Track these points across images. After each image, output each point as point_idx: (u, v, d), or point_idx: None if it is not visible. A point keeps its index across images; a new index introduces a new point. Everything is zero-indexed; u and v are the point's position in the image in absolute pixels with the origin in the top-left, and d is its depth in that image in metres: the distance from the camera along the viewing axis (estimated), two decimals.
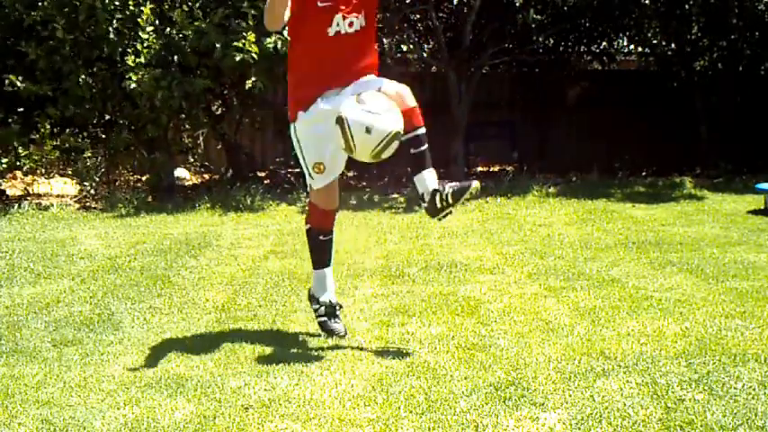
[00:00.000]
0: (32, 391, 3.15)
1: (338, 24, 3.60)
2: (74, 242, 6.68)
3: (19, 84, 8.59)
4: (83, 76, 8.76)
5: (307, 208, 3.90)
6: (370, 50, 3.77)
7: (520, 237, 6.68)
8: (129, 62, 8.62)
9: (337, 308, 3.89)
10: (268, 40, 8.72)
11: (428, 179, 3.67)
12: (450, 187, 3.59)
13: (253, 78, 8.78)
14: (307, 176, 3.80)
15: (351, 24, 3.62)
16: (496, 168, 12.27)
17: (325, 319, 3.85)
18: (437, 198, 3.61)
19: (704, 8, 11.37)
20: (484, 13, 11.03)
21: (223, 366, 3.40)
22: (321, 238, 3.88)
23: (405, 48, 12.58)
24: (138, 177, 10.59)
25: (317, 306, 3.88)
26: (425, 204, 3.69)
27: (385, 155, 3.51)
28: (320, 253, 3.91)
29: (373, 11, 3.74)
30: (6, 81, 8.57)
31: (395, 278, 5.09)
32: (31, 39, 8.80)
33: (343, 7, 3.59)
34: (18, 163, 9.50)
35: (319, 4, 3.56)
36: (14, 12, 8.91)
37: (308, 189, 3.85)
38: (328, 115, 3.53)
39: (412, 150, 3.66)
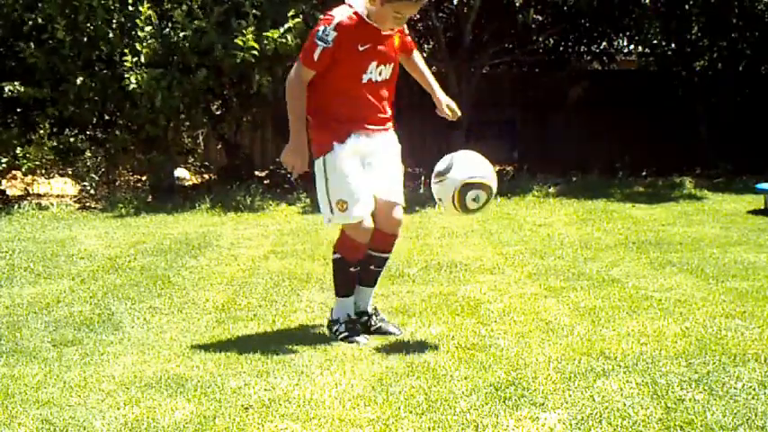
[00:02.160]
0: (32, 391, 3.14)
1: (371, 72, 3.71)
2: (74, 242, 6.68)
3: (19, 89, 8.57)
4: (82, 78, 8.75)
5: (339, 235, 3.82)
6: (391, 101, 3.88)
7: (520, 237, 6.68)
8: (129, 62, 8.61)
9: (362, 317, 3.88)
10: (267, 34, 8.71)
11: (369, 298, 3.95)
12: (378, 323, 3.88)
13: (257, 77, 8.78)
14: (326, 211, 3.73)
15: (380, 73, 3.74)
16: (496, 168, 12.26)
17: (346, 334, 3.77)
18: (361, 320, 3.86)
19: (704, 8, 11.38)
20: (484, 13, 11.03)
21: (223, 366, 3.40)
22: (351, 269, 3.81)
23: None
24: (138, 177, 10.60)
25: (335, 328, 3.82)
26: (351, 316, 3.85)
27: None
28: (347, 282, 3.85)
29: (398, 63, 3.85)
30: (7, 89, 8.57)
31: (395, 278, 5.09)
32: (31, 39, 8.80)
33: (378, 56, 3.70)
34: (17, 163, 9.49)
35: (360, 48, 3.64)
36: (14, 12, 8.91)
37: (328, 221, 3.78)
38: (364, 152, 3.73)
39: (373, 268, 3.89)
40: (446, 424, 2.75)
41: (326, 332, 3.89)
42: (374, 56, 3.69)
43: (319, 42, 3.58)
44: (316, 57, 3.60)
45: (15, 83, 8.63)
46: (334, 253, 3.84)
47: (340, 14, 3.63)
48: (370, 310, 3.92)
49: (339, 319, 3.82)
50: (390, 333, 3.84)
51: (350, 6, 3.66)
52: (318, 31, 3.60)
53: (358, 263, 3.81)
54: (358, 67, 3.68)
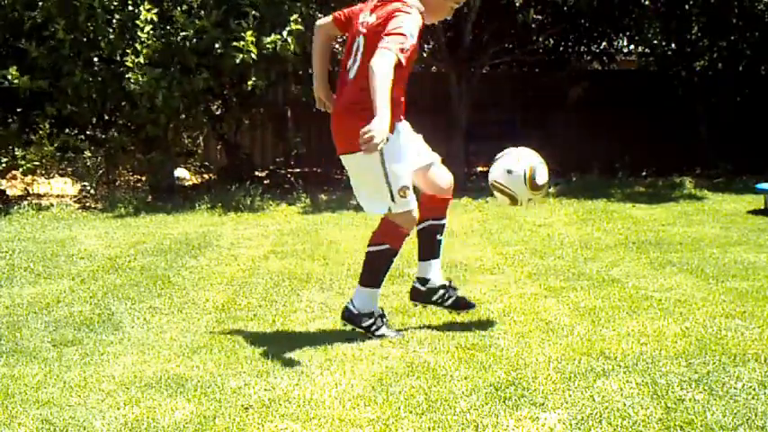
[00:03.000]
0: (32, 391, 3.14)
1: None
2: (74, 242, 6.68)
3: (16, 77, 8.54)
4: (83, 75, 8.76)
5: (383, 226, 3.81)
6: None
7: (520, 237, 6.68)
8: (129, 62, 8.62)
9: (440, 290, 4.00)
10: (268, 39, 8.72)
11: (438, 270, 4.04)
12: (455, 296, 4.02)
13: (253, 78, 8.78)
14: (385, 199, 3.70)
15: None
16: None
17: (384, 331, 3.78)
18: (439, 293, 3.99)
19: (704, 8, 11.38)
20: (484, 13, 11.03)
21: (223, 366, 3.40)
22: (393, 259, 3.85)
23: None
24: (138, 177, 10.60)
25: (370, 322, 3.79)
26: (419, 286, 4.01)
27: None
28: (385, 273, 3.87)
29: None
30: (9, 76, 8.55)
31: (395, 278, 5.08)
32: (32, 38, 8.80)
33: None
34: (17, 163, 9.50)
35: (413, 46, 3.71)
36: (14, 12, 8.91)
37: (387, 211, 3.74)
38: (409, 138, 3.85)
39: (438, 237, 3.99)
40: (446, 424, 2.75)
41: (342, 327, 3.87)
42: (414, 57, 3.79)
43: (410, 38, 3.61)
44: (408, 50, 3.60)
45: (13, 68, 8.54)
46: (377, 244, 3.81)
47: (416, 9, 3.70)
48: (445, 282, 4.04)
49: (374, 313, 3.80)
50: (469, 306, 4.05)
51: (406, 3, 3.70)
52: (406, 22, 3.60)
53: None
54: (413, 60, 3.76)
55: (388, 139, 3.47)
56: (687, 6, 11.58)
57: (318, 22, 4.14)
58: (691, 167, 11.55)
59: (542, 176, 3.87)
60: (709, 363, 3.27)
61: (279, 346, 3.66)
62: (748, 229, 6.85)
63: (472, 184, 10.19)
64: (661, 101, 12.08)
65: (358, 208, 8.75)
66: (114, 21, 8.86)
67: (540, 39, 12.19)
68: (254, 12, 8.69)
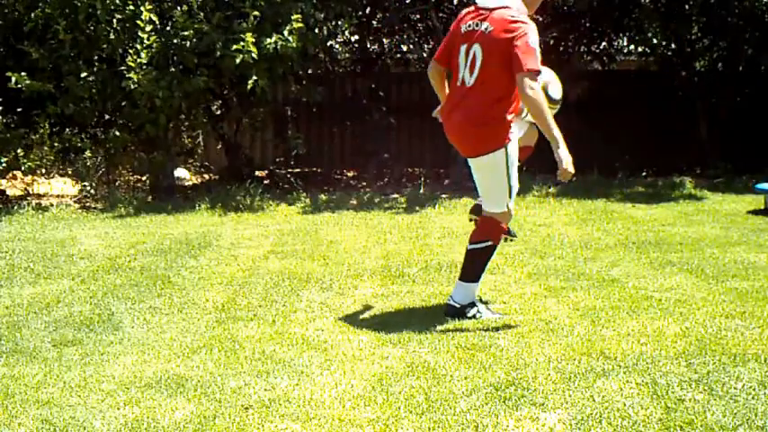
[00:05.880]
0: (32, 391, 3.15)
1: None
2: (74, 242, 6.68)
3: (23, 81, 8.56)
4: (83, 74, 8.76)
5: (484, 224, 4.12)
6: None
7: (520, 237, 6.65)
8: (129, 62, 8.62)
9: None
10: (268, 40, 8.72)
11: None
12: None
13: (254, 78, 8.77)
14: (505, 199, 4.05)
15: None
16: None
17: (488, 314, 4.07)
18: (471, 310, 4.11)
19: (704, 8, 11.36)
20: None
21: (223, 366, 3.40)
22: (495, 252, 4.14)
23: (405, 48, 12.59)
24: (138, 177, 10.59)
25: (474, 311, 4.05)
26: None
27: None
28: (486, 267, 4.15)
29: None
30: (13, 79, 8.56)
31: (395, 278, 5.09)
32: (32, 39, 8.81)
33: None
34: (17, 163, 9.50)
35: None
36: (14, 12, 8.91)
37: (495, 210, 4.08)
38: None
39: None
40: (446, 424, 2.75)
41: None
42: None
43: (537, 48, 3.83)
44: (539, 61, 3.84)
45: (22, 73, 8.59)
46: (480, 242, 4.06)
47: (525, 15, 3.91)
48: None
49: (474, 303, 4.08)
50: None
51: (519, 10, 3.92)
52: (529, 36, 3.80)
53: None
54: None
55: (508, 146, 3.92)
56: (687, 6, 11.57)
57: (429, 69, 4.34)
58: (691, 167, 11.54)
59: (556, 91, 4.14)
60: (709, 363, 3.27)
61: (279, 346, 3.67)
62: (748, 229, 6.84)
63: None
64: (661, 101, 12.07)
65: (358, 208, 8.78)
66: (115, 21, 8.86)
67: (540, 39, 12.18)
68: (255, 12, 8.68)
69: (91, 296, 4.71)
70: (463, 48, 3.97)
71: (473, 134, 4.00)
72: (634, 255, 5.72)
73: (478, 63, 3.91)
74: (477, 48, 3.90)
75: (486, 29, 3.90)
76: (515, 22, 3.84)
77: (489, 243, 4.08)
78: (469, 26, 3.97)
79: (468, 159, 4.13)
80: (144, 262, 5.73)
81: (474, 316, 4.03)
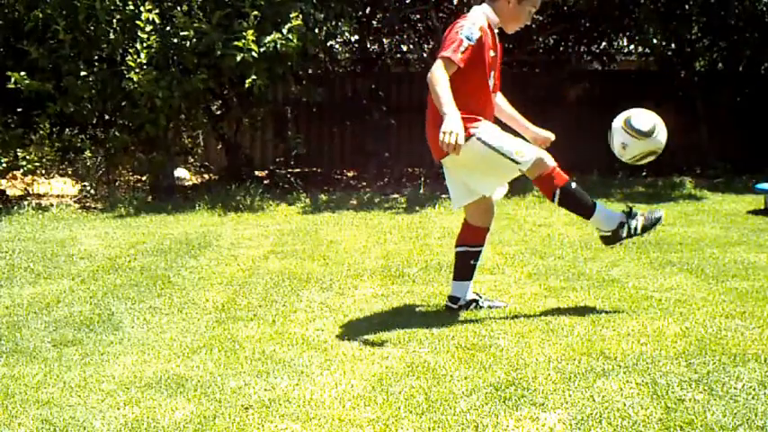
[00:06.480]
0: (32, 391, 3.15)
1: (490, 78, 4.02)
2: (74, 242, 6.68)
3: (23, 81, 8.56)
4: (83, 74, 8.77)
5: (540, 182, 4.11)
6: None
7: (520, 237, 6.67)
8: (129, 62, 8.62)
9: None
10: (268, 39, 8.72)
11: (469, 290, 4.27)
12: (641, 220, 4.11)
13: (253, 77, 8.77)
14: (513, 165, 4.00)
15: (492, 81, 4.05)
16: None
17: (491, 302, 4.22)
18: (624, 230, 4.10)
19: (704, 8, 11.37)
20: None
21: (223, 366, 3.40)
22: (578, 187, 4.21)
23: (405, 48, 12.60)
24: (138, 177, 10.60)
25: (480, 302, 4.20)
26: (450, 304, 4.22)
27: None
28: (586, 201, 4.23)
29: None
30: (13, 79, 8.56)
31: (395, 278, 5.09)
32: (32, 38, 8.81)
33: (495, 66, 4.04)
34: (17, 163, 9.49)
35: (490, 54, 3.94)
36: (14, 12, 8.91)
37: (521, 171, 4.05)
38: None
39: (473, 262, 4.28)
40: (446, 424, 2.75)
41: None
42: (494, 65, 3.99)
43: (465, 40, 3.77)
44: (461, 52, 3.77)
45: (22, 73, 8.60)
46: (556, 192, 4.08)
47: (479, 18, 3.89)
48: (475, 296, 4.30)
49: (476, 297, 4.21)
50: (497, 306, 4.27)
51: (482, 13, 3.92)
52: (463, 28, 3.80)
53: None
54: (486, 73, 3.94)
55: (477, 135, 3.85)
56: (687, 6, 11.57)
57: None
58: (691, 167, 11.54)
59: (642, 123, 4.11)
60: (709, 363, 3.27)
61: (279, 346, 3.66)
62: (748, 229, 6.84)
63: None
64: (661, 101, 12.06)
65: (358, 208, 8.78)
66: (115, 21, 8.86)
67: (540, 39, 12.18)
68: (254, 12, 8.68)
69: (91, 296, 4.71)
70: None
71: (432, 136, 3.94)
72: (634, 255, 5.72)
73: None
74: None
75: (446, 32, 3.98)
76: (463, 17, 3.90)
77: (561, 186, 4.05)
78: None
79: (442, 162, 4.08)
80: (144, 262, 5.73)
81: (477, 308, 4.14)
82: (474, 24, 3.83)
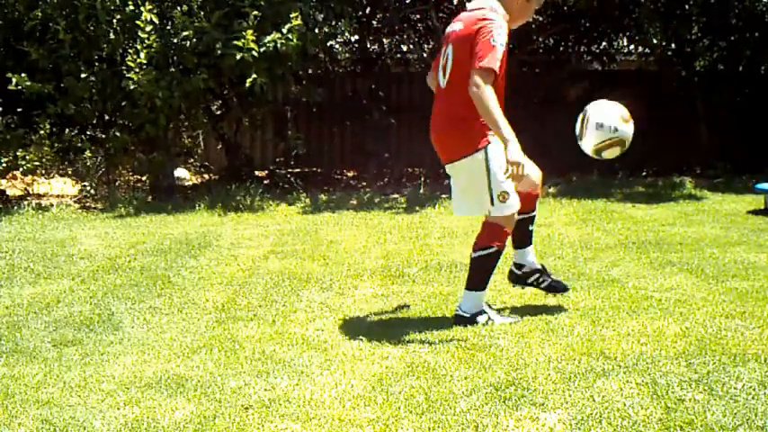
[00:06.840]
0: (32, 391, 3.15)
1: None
2: (74, 242, 6.68)
3: (23, 82, 8.56)
4: (83, 74, 8.77)
5: (487, 229, 3.97)
6: None
7: None
8: (129, 62, 8.62)
9: (535, 274, 4.21)
10: (268, 38, 8.72)
11: (532, 255, 4.26)
12: (549, 280, 4.21)
13: (253, 76, 8.77)
14: (485, 204, 3.89)
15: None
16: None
17: (499, 320, 3.96)
18: (534, 276, 4.19)
19: (704, 8, 11.37)
20: None
21: (223, 366, 3.40)
22: (500, 258, 3.99)
23: (405, 48, 12.59)
24: (138, 177, 10.59)
25: (485, 318, 3.95)
26: (516, 270, 4.23)
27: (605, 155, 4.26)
28: (492, 273, 4.00)
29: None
30: (14, 80, 8.56)
31: (395, 278, 5.09)
32: (32, 39, 8.81)
33: (507, 57, 3.87)
34: (17, 163, 9.49)
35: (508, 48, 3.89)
36: (14, 12, 8.91)
37: (489, 213, 3.94)
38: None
39: (530, 227, 4.20)
40: (446, 424, 2.75)
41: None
42: (508, 56, 3.88)
43: (500, 46, 3.72)
44: (498, 60, 3.71)
45: (23, 75, 8.60)
46: (485, 248, 3.94)
47: (502, 20, 3.82)
48: (539, 266, 4.24)
49: (483, 310, 3.97)
50: (564, 289, 4.25)
51: (493, 9, 3.84)
52: (493, 34, 3.71)
53: None
54: (505, 74, 3.86)
55: (488, 149, 3.80)
56: (687, 6, 11.57)
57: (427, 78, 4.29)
58: (691, 167, 11.54)
59: (602, 117, 4.18)
60: (709, 363, 3.27)
61: (279, 346, 3.66)
62: (748, 229, 6.84)
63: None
64: (661, 101, 12.07)
65: (358, 208, 8.78)
66: (115, 21, 8.86)
67: (540, 39, 12.18)
68: (254, 12, 8.68)
69: (91, 296, 4.71)
70: (443, 50, 3.95)
71: (445, 139, 3.93)
72: (634, 255, 5.72)
73: (449, 64, 3.86)
74: (450, 49, 3.87)
75: (458, 28, 3.86)
76: (483, 19, 3.76)
77: (494, 249, 3.92)
78: (449, 28, 3.96)
79: (448, 168, 4.03)
80: (144, 262, 5.73)
81: (486, 323, 3.90)
82: (501, 27, 3.76)
